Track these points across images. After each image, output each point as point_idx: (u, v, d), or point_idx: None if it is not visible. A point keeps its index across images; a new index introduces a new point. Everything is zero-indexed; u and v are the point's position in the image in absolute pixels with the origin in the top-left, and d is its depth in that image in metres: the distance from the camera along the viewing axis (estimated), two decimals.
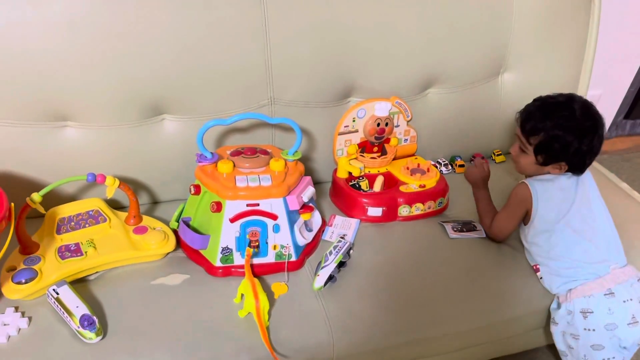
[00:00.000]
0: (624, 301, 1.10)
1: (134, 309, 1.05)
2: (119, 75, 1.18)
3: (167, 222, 1.24)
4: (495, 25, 1.46)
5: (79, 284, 1.09)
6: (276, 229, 1.13)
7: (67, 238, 1.14)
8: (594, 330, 1.11)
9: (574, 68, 1.60)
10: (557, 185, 1.19)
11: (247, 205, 1.11)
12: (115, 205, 1.31)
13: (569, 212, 1.17)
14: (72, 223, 1.16)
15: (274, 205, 1.12)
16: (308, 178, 1.21)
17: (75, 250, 1.10)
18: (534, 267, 1.23)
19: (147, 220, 1.22)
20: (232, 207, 1.10)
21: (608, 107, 2.25)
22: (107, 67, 1.16)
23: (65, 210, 1.18)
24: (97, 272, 1.12)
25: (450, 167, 1.59)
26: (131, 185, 1.30)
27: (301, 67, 1.31)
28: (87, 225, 1.16)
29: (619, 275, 1.13)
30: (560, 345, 1.20)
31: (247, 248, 1.10)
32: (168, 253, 1.19)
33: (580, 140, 1.15)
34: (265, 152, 1.21)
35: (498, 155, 1.65)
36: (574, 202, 1.18)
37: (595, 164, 1.63)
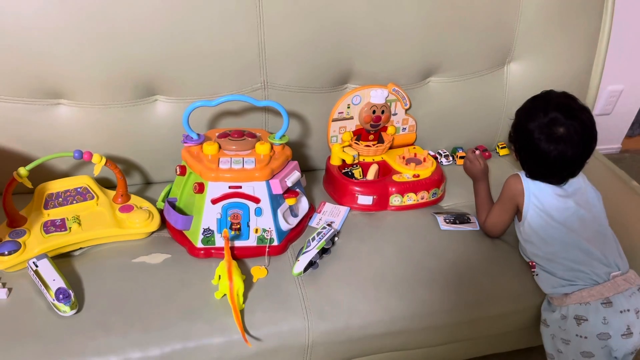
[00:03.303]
0: (621, 312, 1.04)
1: (112, 285, 1.06)
2: (113, 55, 1.19)
3: (155, 202, 1.25)
4: (501, 12, 1.41)
5: (63, 259, 1.11)
6: (258, 212, 1.12)
7: (54, 213, 1.15)
8: (585, 337, 1.06)
9: (586, 59, 1.53)
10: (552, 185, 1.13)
11: (230, 187, 1.10)
12: (108, 183, 1.32)
13: (565, 211, 1.11)
14: (60, 199, 1.18)
15: (256, 188, 1.11)
16: (294, 163, 1.19)
17: (60, 226, 1.11)
18: (530, 264, 1.18)
19: (134, 200, 1.23)
20: (214, 188, 1.10)
21: (630, 103, 2.16)
22: (101, 46, 1.17)
23: (54, 186, 1.20)
24: (81, 248, 1.14)
25: (451, 158, 1.55)
26: (123, 165, 1.32)
27: (296, 51, 1.30)
28: (74, 202, 1.18)
29: (620, 283, 1.06)
30: (548, 348, 1.15)
31: (225, 230, 1.10)
32: (153, 232, 1.19)
33: (527, 118, 1.11)
34: (252, 136, 1.20)
35: (502, 148, 1.60)
36: (571, 202, 1.11)
37: (604, 160, 1.57)
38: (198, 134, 1.17)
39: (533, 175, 1.14)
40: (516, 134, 1.15)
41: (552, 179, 1.12)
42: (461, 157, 1.53)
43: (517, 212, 1.18)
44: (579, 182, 1.14)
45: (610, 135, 2.29)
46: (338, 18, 1.29)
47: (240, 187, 1.11)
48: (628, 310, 1.04)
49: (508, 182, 1.18)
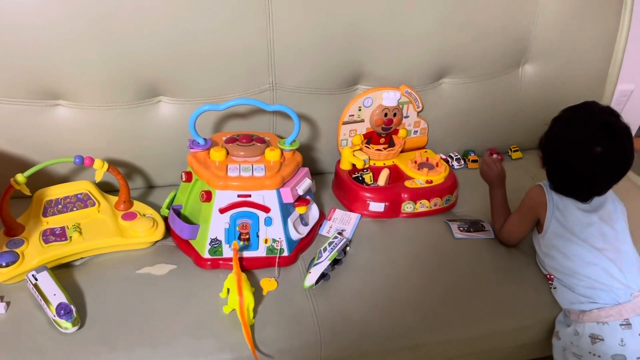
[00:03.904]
0: None
1: (116, 298, 1.01)
2: (114, 54, 1.14)
3: (159, 209, 1.20)
4: (517, 12, 1.36)
5: (63, 270, 1.06)
6: (268, 222, 1.08)
7: (53, 221, 1.10)
8: (599, 357, 1.02)
9: (602, 61, 1.49)
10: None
11: (238, 196, 1.06)
12: (109, 188, 1.27)
13: (588, 227, 1.06)
14: (60, 206, 1.13)
15: (266, 197, 1.06)
16: (305, 169, 1.15)
17: (60, 235, 1.06)
18: (548, 276, 1.14)
19: (137, 206, 1.18)
20: (223, 197, 1.05)
21: None
22: (102, 45, 1.12)
23: (54, 192, 1.15)
24: (82, 257, 1.09)
25: (462, 162, 1.51)
26: (125, 169, 1.27)
27: (305, 51, 1.25)
28: (74, 209, 1.13)
29: None
30: (558, 357, 1.12)
31: (234, 241, 1.05)
32: (157, 241, 1.14)
33: (563, 129, 1.05)
34: (261, 141, 1.15)
35: (515, 151, 1.56)
36: (595, 218, 1.07)
37: None
38: (205, 139, 1.12)
39: (557, 188, 1.09)
40: (548, 142, 1.09)
41: (577, 195, 1.08)
42: (473, 161, 1.49)
43: (537, 224, 1.13)
44: (604, 195, 1.10)
45: None
46: (350, 18, 1.24)
47: (249, 195, 1.06)
48: None
49: (530, 192, 1.13)
